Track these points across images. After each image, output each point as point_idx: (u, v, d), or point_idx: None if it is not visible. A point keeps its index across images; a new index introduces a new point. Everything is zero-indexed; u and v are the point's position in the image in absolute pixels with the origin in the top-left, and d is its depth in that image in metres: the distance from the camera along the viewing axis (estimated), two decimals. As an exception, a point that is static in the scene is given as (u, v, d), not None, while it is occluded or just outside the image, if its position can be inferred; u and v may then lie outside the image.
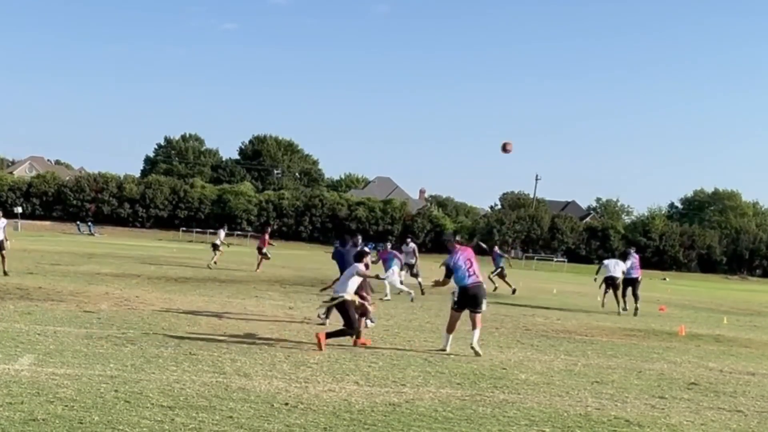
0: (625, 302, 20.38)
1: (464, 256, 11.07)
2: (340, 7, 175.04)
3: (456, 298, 11.08)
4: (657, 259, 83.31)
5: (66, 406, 6.48)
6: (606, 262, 21.49)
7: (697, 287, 50.74)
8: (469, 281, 10.91)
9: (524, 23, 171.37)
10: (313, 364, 9.34)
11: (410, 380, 8.72)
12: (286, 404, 7.10)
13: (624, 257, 21.39)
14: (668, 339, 15.08)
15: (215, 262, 28.97)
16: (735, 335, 16.87)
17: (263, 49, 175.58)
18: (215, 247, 29.92)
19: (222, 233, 31.68)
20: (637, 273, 20.76)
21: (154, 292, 17.38)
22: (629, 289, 20.51)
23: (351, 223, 78.76)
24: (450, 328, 11.07)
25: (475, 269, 11.01)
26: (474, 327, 11.01)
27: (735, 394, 9.38)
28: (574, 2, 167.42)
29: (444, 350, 11.05)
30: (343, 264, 12.74)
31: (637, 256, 21.35)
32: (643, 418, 7.64)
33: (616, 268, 20.55)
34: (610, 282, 20.62)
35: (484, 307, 11.10)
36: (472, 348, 10.90)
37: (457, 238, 11.35)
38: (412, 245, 23.25)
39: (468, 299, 10.93)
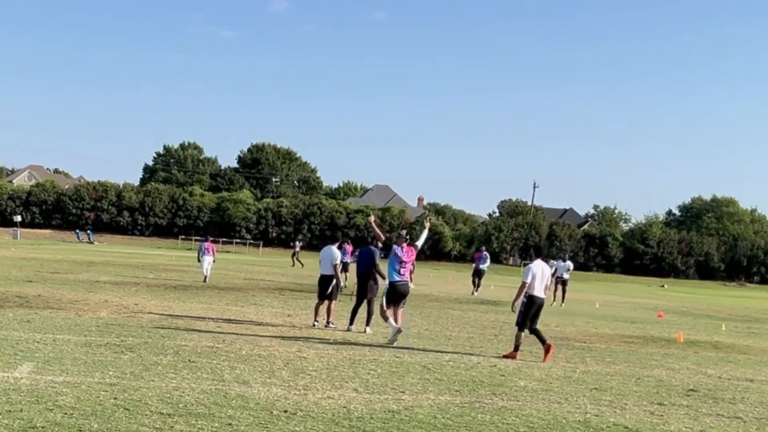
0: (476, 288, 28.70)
1: (405, 255, 12.46)
2: (339, 14, 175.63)
3: (386, 294, 12.52)
4: (655, 266, 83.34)
5: (65, 413, 6.49)
6: (477, 255, 30.12)
7: (696, 294, 50.74)
8: (397, 279, 12.44)
9: (522, 30, 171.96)
10: (312, 371, 9.34)
11: (409, 387, 8.73)
12: (285, 411, 7.11)
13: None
14: (667, 346, 15.10)
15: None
16: (733, 342, 16.89)
17: (262, 56, 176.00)
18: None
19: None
20: (483, 265, 29.14)
21: (153, 299, 17.38)
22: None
23: (350, 231, 78.78)
24: (386, 318, 12.42)
25: (406, 271, 12.47)
26: (396, 320, 12.40)
27: (734, 400, 9.39)
28: (570, 9, 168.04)
29: (394, 341, 12.09)
30: (368, 261, 13.86)
31: (485, 253, 29.80)
32: (641, 424, 7.65)
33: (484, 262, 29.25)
34: (475, 272, 29.07)
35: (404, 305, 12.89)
36: (392, 341, 12.16)
37: (408, 237, 12.87)
38: None
39: (396, 295, 12.50)
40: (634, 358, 12.85)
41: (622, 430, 7.36)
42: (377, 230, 13.82)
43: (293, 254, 46.33)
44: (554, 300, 25.61)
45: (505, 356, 11.69)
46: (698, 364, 12.66)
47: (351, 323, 13.81)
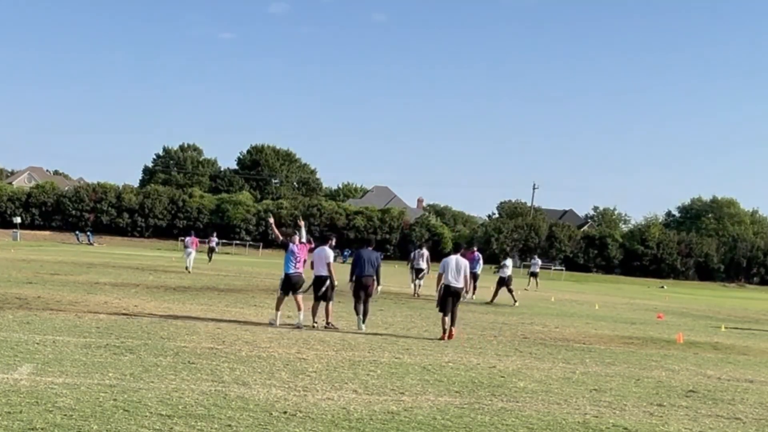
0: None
1: (299, 251, 14.05)
2: (338, 16, 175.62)
3: (282, 283, 14.19)
4: (655, 267, 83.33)
5: (65, 415, 6.49)
6: (469, 256, 27.94)
7: (695, 295, 50.75)
8: (292, 271, 14.04)
9: (522, 32, 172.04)
10: (311, 372, 9.35)
11: (409, 388, 8.73)
12: (285, 413, 7.11)
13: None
14: (666, 347, 15.10)
15: None
16: (733, 343, 16.89)
17: (261, 58, 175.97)
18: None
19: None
20: (476, 268, 25.75)
21: (153, 301, 17.38)
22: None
23: (349, 232, 78.85)
24: (278, 307, 14.15)
25: (300, 264, 14.07)
26: (299, 309, 14.01)
27: (733, 401, 9.40)
28: (570, 11, 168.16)
29: (274, 324, 13.87)
30: (363, 261, 14.53)
31: (477, 254, 26.76)
32: (641, 425, 7.65)
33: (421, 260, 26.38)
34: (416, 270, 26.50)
35: (302, 293, 14.26)
36: (297, 325, 13.84)
37: (303, 240, 14.70)
38: (425, 252, 26.22)
39: (290, 285, 14.03)
40: (634, 359, 12.86)
41: (621, 431, 7.37)
42: (276, 231, 15.21)
43: (209, 249, 47.22)
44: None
45: (440, 339, 13.38)
46: (698, 365, 12.66)
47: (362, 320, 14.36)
